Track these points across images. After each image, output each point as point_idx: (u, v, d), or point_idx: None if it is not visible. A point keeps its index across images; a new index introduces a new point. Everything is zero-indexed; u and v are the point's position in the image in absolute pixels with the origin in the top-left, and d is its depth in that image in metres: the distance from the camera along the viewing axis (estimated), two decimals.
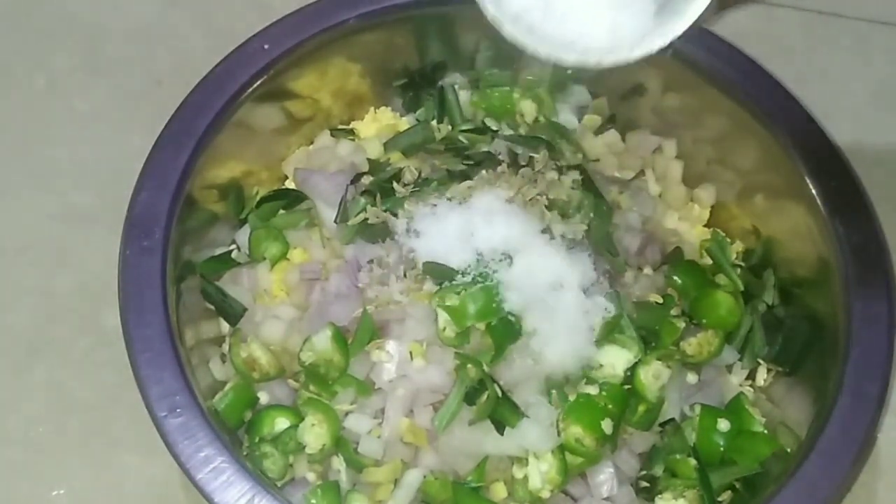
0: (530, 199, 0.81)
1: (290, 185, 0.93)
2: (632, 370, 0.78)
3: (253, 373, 0.80)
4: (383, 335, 0.79)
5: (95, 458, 0.83)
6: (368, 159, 0.90)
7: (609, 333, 0.78)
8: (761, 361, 0.87)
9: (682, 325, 0.82)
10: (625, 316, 0.79)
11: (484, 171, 0.83)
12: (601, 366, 0.78)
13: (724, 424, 0.80)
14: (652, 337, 0.81)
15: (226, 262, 0.87)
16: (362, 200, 0.84)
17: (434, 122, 0.94)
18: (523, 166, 0.85)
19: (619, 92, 0.95)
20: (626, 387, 0.78)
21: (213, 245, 0.87)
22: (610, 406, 0.76)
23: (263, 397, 0.81)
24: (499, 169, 0.84)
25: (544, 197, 0.82)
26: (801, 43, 1.09)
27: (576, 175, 0.85)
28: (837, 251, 0.80)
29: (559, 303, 0.77)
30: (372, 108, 0.97)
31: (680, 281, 0.86)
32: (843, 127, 0.94)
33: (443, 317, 0.76)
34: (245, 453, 0.77)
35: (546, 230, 0.80)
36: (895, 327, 0.77)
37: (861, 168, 0.85)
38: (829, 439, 0.73)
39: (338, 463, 0.78)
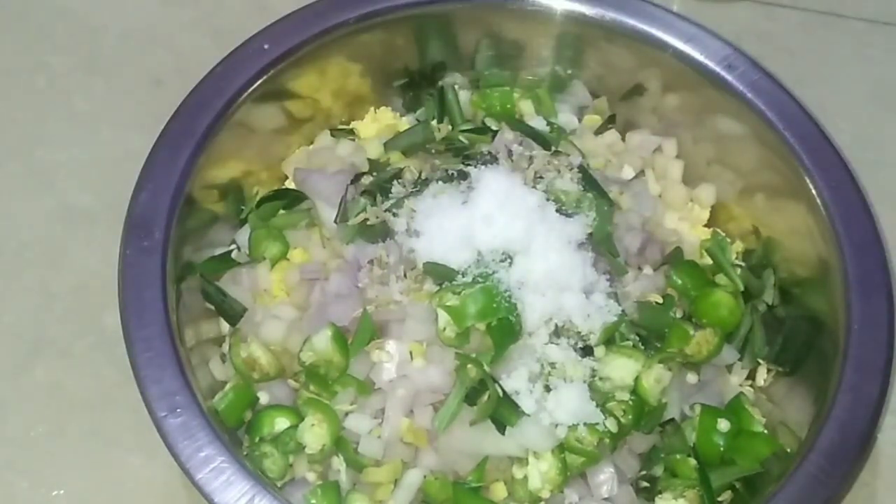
0: (531, 199, 0.81)
1: (290, 185, 0.93)
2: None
3: (253, 373, 0.80)
4: (383, 335, 0.79)
5: (95, 458, 0.83)
6: (368, 159, 0.90)
7: (609, 337, 0.78)
8: (761, 361, 0.86)
9: (692, 331, 0.82)
10: (625, 321, 0.79)
11: (484, 171, 0.83)
12: (609, 378, 0.78)
13: (724, 424, 0.80)
14: (653, 338, 0.81)
15: (226, 262, 0.87)
16: (362, 200, 0.84)
17: (434, 122, 0.94)
18: (524, 167, 0.85)
19: (619, 92, 0.95)
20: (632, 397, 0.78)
21: (213, 245, 0.87)
22: (627, 418, 0.77)
23: (263, 397, 0.81)
24: (499, 169, 0.84)
25: (545, 197, 0.82)
26: (801, 43, 1.09)
27: (576, 175, 0.85)
28: (837, 251, 0.80)
29: (560, 303, 0.77)
30: (372, 108, 0.97)
31: (680, 281, 0.86)
32: (843, 127, 0.94)
33: (443, 317, 0.76)
34: (245, 453, 0.77)
35: (547, 230, 0.80)
36: (895, 327, 0.77)
37: (861, 168, 0.85)
38: (829, 439, 0.73)
39: (338, 463, 0.78)
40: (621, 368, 0.78)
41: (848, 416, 0.74)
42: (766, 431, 0.81)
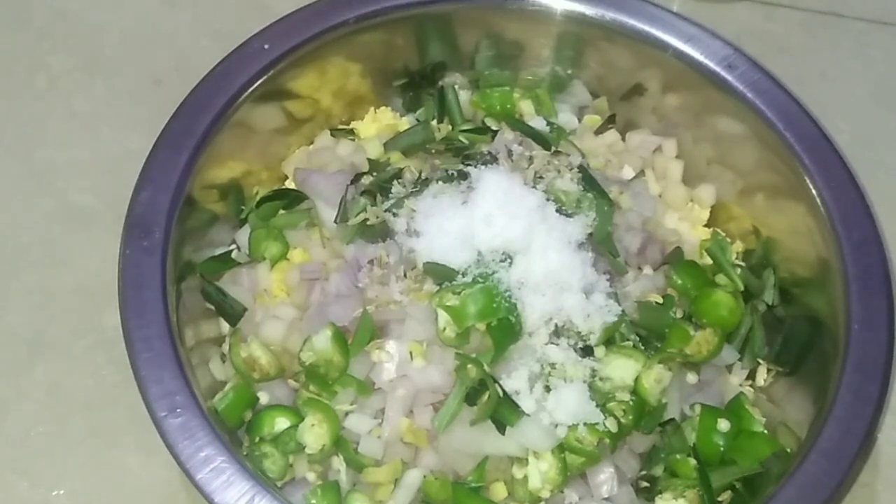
0: (531, 199, 0.81)
1: (290, 185, 0.93)
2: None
3: (253, 373, 0.80)
4: (383, 335, 0.79)
5: (95, 458, 0.83)
6: (368, 159, 0.90)
7: (609, 337, 0.78)
8: (761, 361, 0.86)
9: (692, 331, 0.82)
10: (625, 321, 0.79)
11: (484, 171, 0.83)
12: (609, 378, 0.77)
13: (724, 424, 0.80)
14: (653, 338, 0.81)
15: (226, 262, 0.87)
16: (362, 200, 0.84)
17: (434, 122, 0.94)
18: (524, 167, 0.85)
19: (619, 92, 0.95)
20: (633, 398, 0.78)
21: (213, 245, 0.87)
22: (627, 418, 0.77)
23: (263, 397, 0.81)
24: (499, 169, 0.84)
25: (545, 197, 0.82)
26: (801, 43, 1.09)
27: (576, 175, 0.85)
28: (837, 251, 0.80)
29: (560, 303, 0.77)
30: (372, 108, 0.97)
31: (680, 281, 0.86)
32: (843, 127, 0.94)
33: (443, 317, 0.76)
34: (245, 453, 0.77)
35: (547, 230, 0.80)
36: (895, 327, 0.77)
37: (861, 168, 0.85)
38: (829, 439, 0.73)
39: (338, 463, 0.78)
40: (621, 368, 0.78)
41: (848, 415, 0.74)
42: (766, 431, 0.81)
